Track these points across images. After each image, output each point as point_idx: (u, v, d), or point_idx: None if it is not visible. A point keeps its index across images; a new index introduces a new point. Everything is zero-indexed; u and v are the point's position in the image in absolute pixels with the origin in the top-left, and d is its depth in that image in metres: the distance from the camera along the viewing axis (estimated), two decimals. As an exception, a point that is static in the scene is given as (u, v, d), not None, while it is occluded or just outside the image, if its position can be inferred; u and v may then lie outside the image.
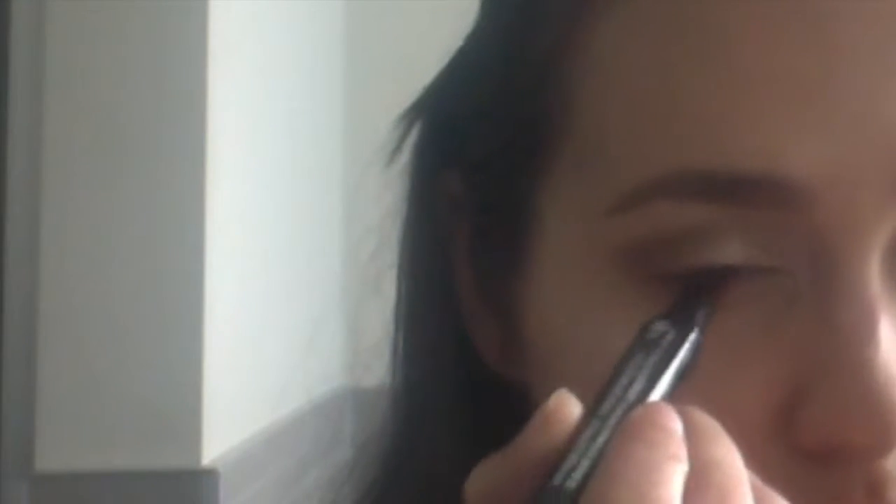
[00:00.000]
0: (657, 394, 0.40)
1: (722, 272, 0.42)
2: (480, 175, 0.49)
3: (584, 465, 0.37)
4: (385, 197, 0.54)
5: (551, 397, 0.39)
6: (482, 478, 0.39)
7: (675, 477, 0.37)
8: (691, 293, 0.43)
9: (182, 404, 1.82)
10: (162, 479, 1.82)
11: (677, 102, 0.42)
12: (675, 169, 0.42)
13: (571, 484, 0.37)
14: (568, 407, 0.38)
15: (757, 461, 0.41)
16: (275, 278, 2.31)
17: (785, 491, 0.41)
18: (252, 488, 2.06)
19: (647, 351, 0.41)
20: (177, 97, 1.84)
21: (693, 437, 0.38)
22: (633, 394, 0.39)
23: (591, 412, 0.39)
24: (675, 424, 0.38)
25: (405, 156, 0.53)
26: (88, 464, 1.81)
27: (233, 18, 1.99)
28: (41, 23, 1.83)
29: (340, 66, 2.88)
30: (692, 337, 0.42)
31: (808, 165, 0.41)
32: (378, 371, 0.54)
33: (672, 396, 0.41)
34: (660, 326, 0.42)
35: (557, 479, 0.37)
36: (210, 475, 1.84)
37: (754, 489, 0.38)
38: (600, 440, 0.38)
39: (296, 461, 2.33)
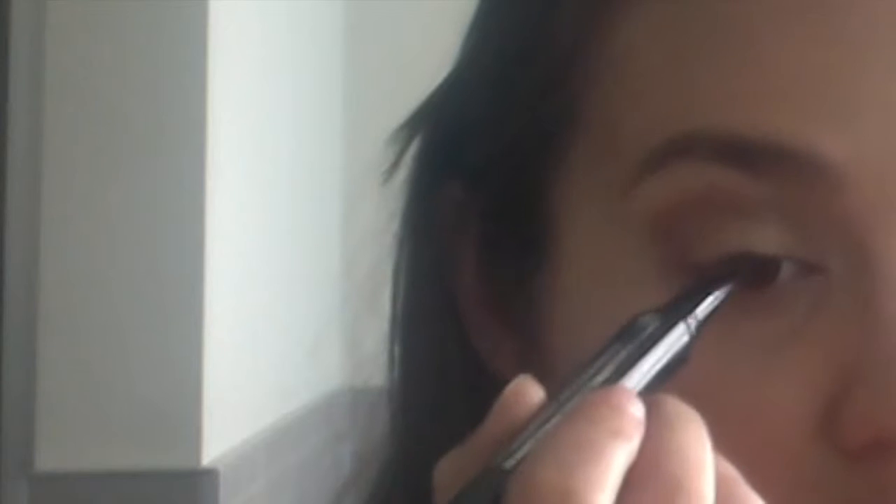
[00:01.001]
0: (628, 385, 0.38)
1: (749, 257, 0.41)
2: (488, 182, 0.48)
3: (528, 446, 0.35)
4: (384, 203, 0.53)
5: (512, 383, 0.37)
6: (447, 462, 0.37)
7: (614, 454, 0.34)
8: (693, 287, 0.41)
9: (182, 404, 1.82)
10: (162, 479, 1.82)
11: (694, 86, 0.42)
12: (691, 128, 0.41)
13: (510, 464, 0.35)
14: (528, 392, 0.37)
15: (799, 465, 0.40)
16: (275, 279, 2.31)
17: (829, 493, 0.40)
18: (252, 488, 2.06)
19: (625, 342, 0.39)
20: (177, 97, 1.84)
21: (657, 422, 0.35)
22: (596, 382, 0.37)
23: (552, 398, 0.37)
24: (629, 405, 0.35)
25: (403, 169, 0.52)
26: (88, 464, 1.81)
27: (233, 18, 1.99)
28: (41, 23, 1.83)
29: (340, 66, 2.88)
30: (677, 331, 0.40)
31: (830, 145, 0.40)
32: (378, 372, 0.54)
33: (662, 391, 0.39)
34: (646, 319, 0.40)
35: (499, 461, 0.35)
36: (210, 475, 1.84)
37: (726, 484, 0.36)
38: (552, 423, 0.36)
39: (295, 461, 2.33)
